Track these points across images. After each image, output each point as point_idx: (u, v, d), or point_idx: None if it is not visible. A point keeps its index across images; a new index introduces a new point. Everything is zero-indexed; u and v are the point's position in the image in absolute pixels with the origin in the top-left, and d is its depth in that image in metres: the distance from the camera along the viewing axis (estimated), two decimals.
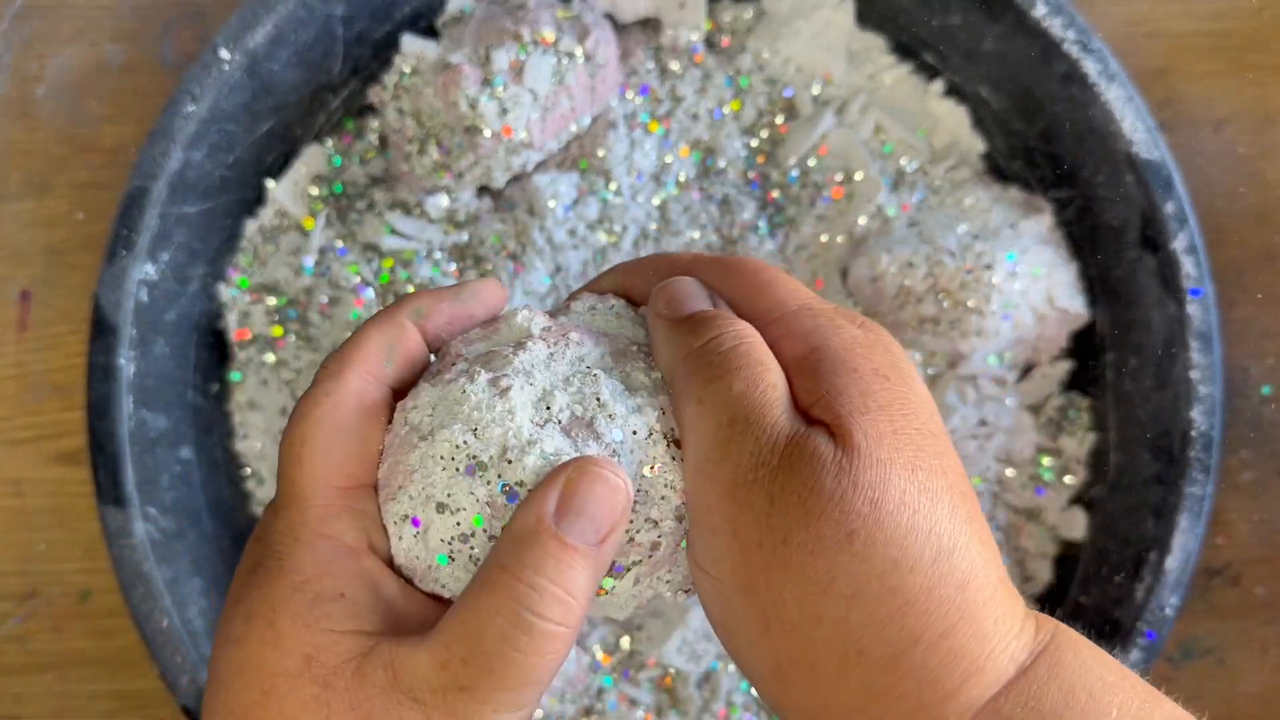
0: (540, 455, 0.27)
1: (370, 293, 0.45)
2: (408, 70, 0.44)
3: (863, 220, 0.46)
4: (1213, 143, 0.50)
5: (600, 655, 0.45)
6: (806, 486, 0.25)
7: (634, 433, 0.28)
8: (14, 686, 0.48)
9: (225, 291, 0.46)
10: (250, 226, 0.46)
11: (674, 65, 0.47)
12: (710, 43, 0.48)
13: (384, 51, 0.46)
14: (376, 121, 0.47)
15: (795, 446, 0.25)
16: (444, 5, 0.45)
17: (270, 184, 0.46)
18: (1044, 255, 0.44)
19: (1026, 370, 0.47)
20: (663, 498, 0.28)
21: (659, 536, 0.28)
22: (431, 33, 0.46)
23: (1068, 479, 0.46)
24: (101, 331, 0.42)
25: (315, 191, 0.47)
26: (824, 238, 0.47)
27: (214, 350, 0.46)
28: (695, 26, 0.47)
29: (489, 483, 0.27)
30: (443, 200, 0.45)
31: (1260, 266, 0.49)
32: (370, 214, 0.46)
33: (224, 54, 0.42)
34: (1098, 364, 0.46)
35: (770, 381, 0.27)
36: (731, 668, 0.45)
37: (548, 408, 0.28)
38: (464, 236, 0.45)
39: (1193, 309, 0.42)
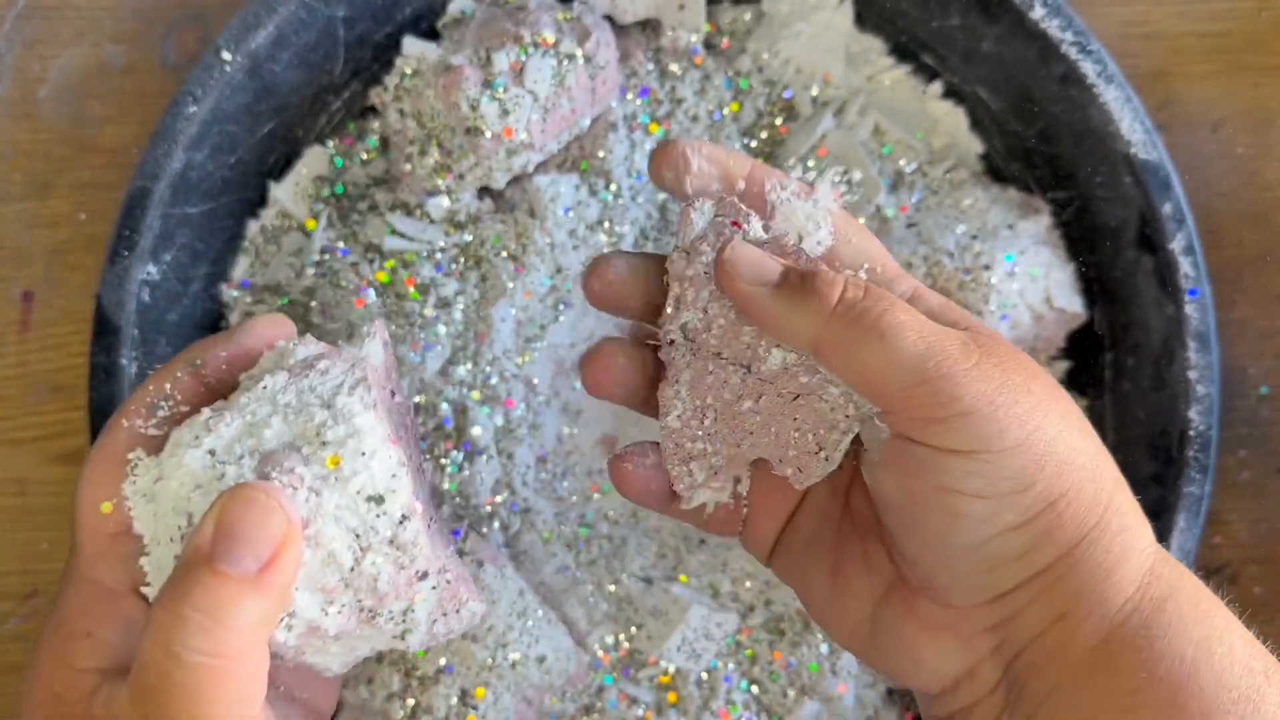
0: (219, 490, 0.27)
1: (372, 293, 0.45)
2: (409, 72, 0.44)
3: (861, 221, 0.46)
4: (1210, 143, 0.50)
5: (600, 653, 0.45)
6: (1009, 352, 0.30)
7: (362, 454, 0.28)
8: (16, 686, 0.48)
9: (227, 291, 0.46)
10: (252, 227, 0.47)
11: (674, 67, 0.48)
12: (710, 44, 0.48)
13: (385, 53, 0.46)
14: (378, 123, 0.47)
15: (979, 335, 0.30)
16: (445, 7, 0.46)
17: (272, 185, 0.47)
18: (1042, 256, 0.45)
19: None
20: (392, 517, 0.28)
21: (375, 571, 0.28)
22: (432, 34, 0.46)
23: None
24: (103, 332, 0.42)
25: (317, 192, 0.47)
26: None
27: None
28: (695, 28, 0.47)
29: (185, 519, 0.28)
30: (444, 201, 0.45)
31: (1258, 267, 0.50)
32: (372, 215, 0.46)
33: (226, 55, 0.42)
34: (1096, 364, 0.46)
35: (903, 302, 0.30)
36: (731, 666, 0.45)
37: (252, 438, 0.28)
38: (465, 237, 0.45)
39: (1190, 309, 0.43)
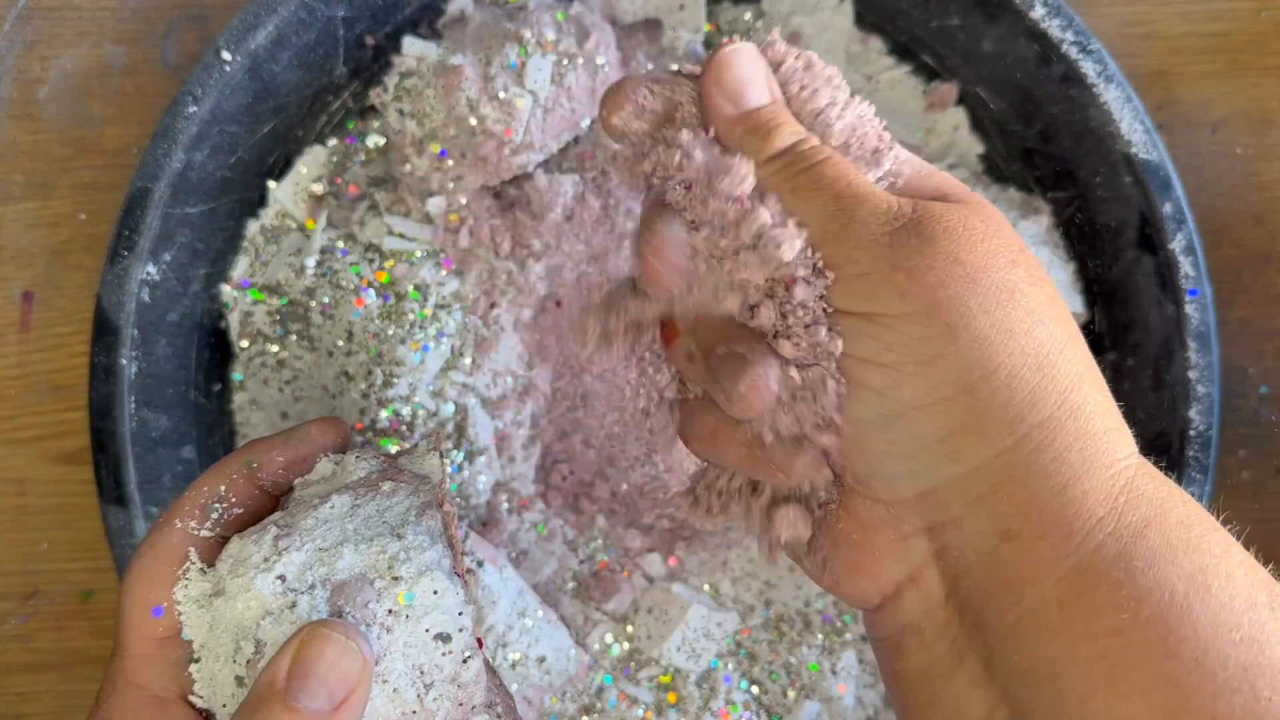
0: (292, 620, 0.28)
1: (371, 293, 0.45)
2: (409, 72, 0.44)
3: None
4: (1210, 143, 0.50)
5: (600, 653, 0.45)
6: (959, 223, 0.26)
7: (434, 592, 0.28)
8: (17, 685, 0.48)
9: (227, 292, 0.46)
10: (252, 227, 0.47)
11: (674, 67, 0.48)
12: (710, 44, 0.48)
13: (385, 53, 0.46)
14: (378, 123, 0.47)
15: (926, 204, 0.27)
16: (445, 7, 0.46)
17: (272, 185, 0.47)
18: (1042, 255, 0.45)
19: None
20: (463, 656, 0.28)
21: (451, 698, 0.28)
22: (432, 35, 0.46)
23: None
24: (103, 332, 0.42)
25: (317, 192, 0.47)
26: None
27: (215, 350, 0.46)
28: (695, 28, 0.47)
29: (252, 645, 0.28)
30: (443, 201, 0.45)
31: (1258, 266, 0.50)
32: (371, 215, 0.46)
33: (226, 55, 0.42)
34: (1096, 364, 0.46)
35: (856, 172, 0.28)
36: (731, 666, 0.45)
37: (324, 566, 0.29)
38: (465, 237, 0.45)
39: (1190, 309, 0.43)
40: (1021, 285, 0.26)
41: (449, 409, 0.45)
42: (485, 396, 0.45)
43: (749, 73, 0.29)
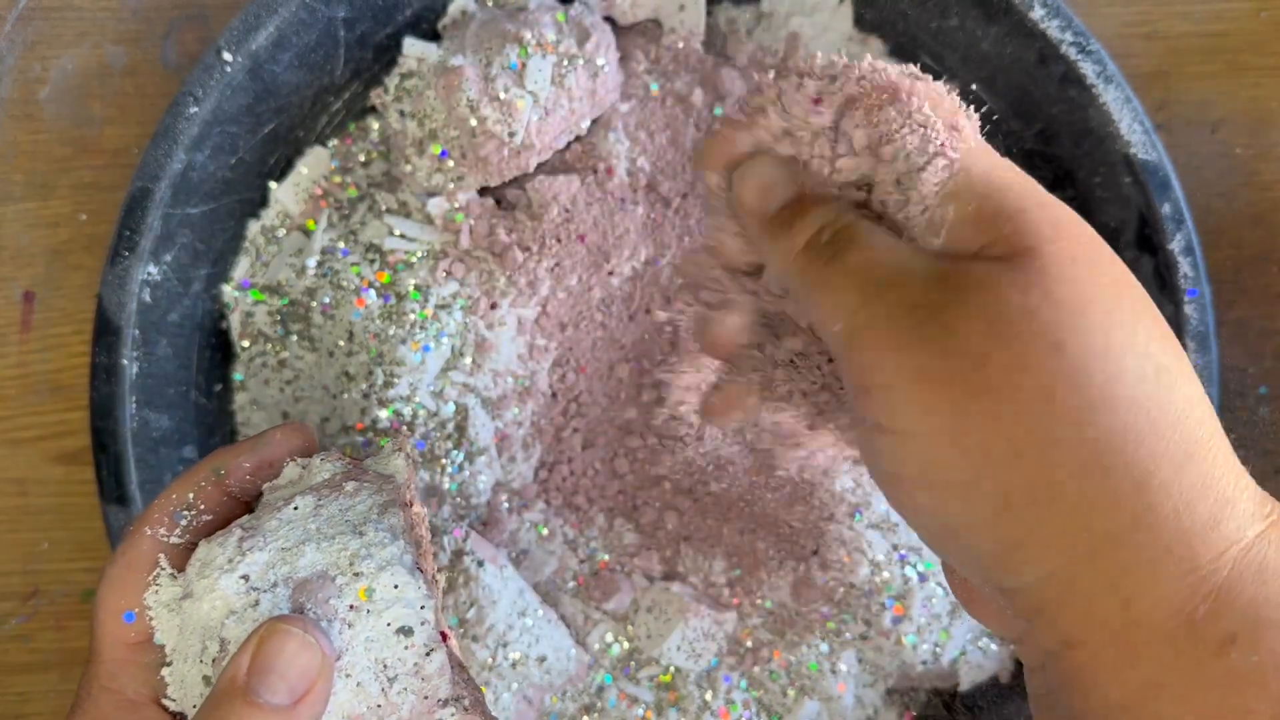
0: (255, 618, 0.28)
1: (372, 293, 0.45)
2: (409, 73, 0.44)
3: None
4: (1210, 144, 0.50)
5: (600, 653, 0.45)
6: (990, 307, 0.23)
7: (394, 587, 0.29)
8: (17, 685, 0.48)
9: (228, 292, 0.46)
10: (253, 228, 0.47)
11: (674, 67, 0.48)
12: (709, 44, 0.48)
13: (386, 54, 0.46)
14: (378, 123, 0.47)
15: (958, 279, 0.24)
16: (445, 8, 0.46)
17: (273, 185, 0.47)
18: None
19: None
20: (417, 650, 0.29)
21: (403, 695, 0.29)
22: (433, 35, 0.46)
23: None
24: (104, 332, 0.42)
25: (317, 193, 0.47)
26: None
27: (216, 350, 0.47)
28: (695, 29, 0.47)
29: (217, 644, 0.29)
30: (444, 202, 0.45)
31: (1257, 267, 0.50)
32: (372, 215, 0.46)
33: (226, 56, 0.42)
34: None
35: (884, 242, 0.26)
36: (730, 662, 0.45)
37: (286, 565, 0.29)
38: (465, 238, 0.46)
39: (1190, 309, 0.43)
40: (1068, 376, 0.23)
41: (449, 409, 0.45)
42: (486, 396, 0.45)
43: (764, 181, 0.29)
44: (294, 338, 0.46)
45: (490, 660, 0.42)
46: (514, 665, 0.42)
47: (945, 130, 0.27)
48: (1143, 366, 0.23)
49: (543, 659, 0.43)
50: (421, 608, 0.29)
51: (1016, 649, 0.29)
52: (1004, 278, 0.24)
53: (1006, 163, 0.27)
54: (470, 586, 0.42)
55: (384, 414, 0.44)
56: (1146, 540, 0.23)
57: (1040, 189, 0.26)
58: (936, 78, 0.49)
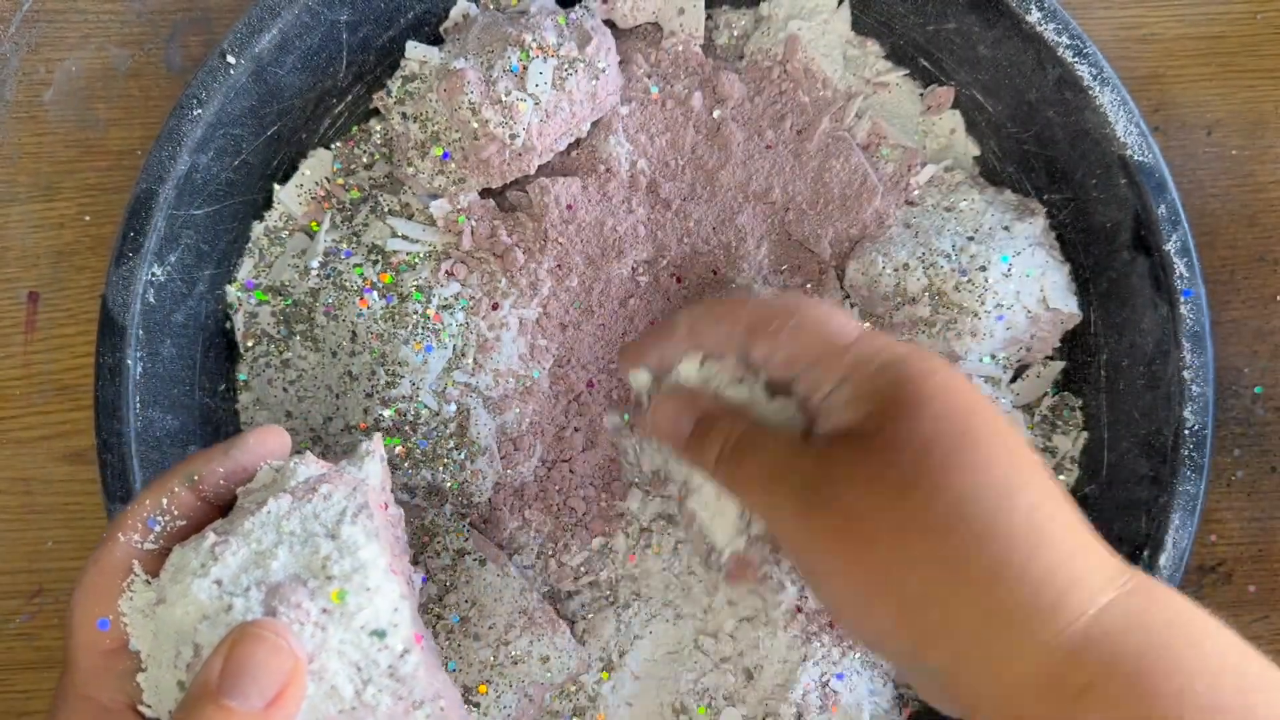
0: (227, 622, 0.28)
1: (375, 294, 0.45)
2: (411, 75, 0.45)
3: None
4: (1205, 146, 0.50)
5: (601, 651, 0.45)
6: (852, 469, 0.30)
7: (367, 589, 0.29)
8: (22, 683, 0.49)
9: (232, 293, 0.47)
10: (257, 229, 0.47)
11: (674, 70, 0.48)
12: (709, 47, 0.49)
13: (388, 57, 0.46)
14: (380, 126, 0.48)
15: (828, 455, 0.31)
16: (447, 11, 0.46)
17: (276, 187, 0.47)
18: (1038, 257, 0.45)
19: (1020, 370, 0.47)
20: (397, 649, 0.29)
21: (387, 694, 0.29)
22: (435, 39, 0.46)
23: (1061, 478, 0.47)
24: (109, 332, 0.42)
25: (320, 194, 0.47)
26: None
27: (220, 351, 0.47)
28: (694, 32, 0.48)
29: (191, 649, 0.29)
30: (446, 203, 0.45)
31: (1252, 268, 0.50)
32: (374, 217, 0.47)
33: (230, 59, 0.43)
34: (1091, 364, 0.47)
35: (774, 444, 0.33)
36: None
37: (259, 568, 0.29)
38: (467, 239, 0.46)
39: (1185, 310, 0.43)
40: (914, 512, 0.29)
41: (451, 409, 0.45)
42: (487, 397, 0.46)
43: (667, 419, 0.36)
44: (297, 338, 0.46)
45: (491, 658, 0.42)
46: (515, 663, 0.43)
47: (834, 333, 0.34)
48: (978, 489, 0.29)
49: (544, 658, 0.43)
50: (395, 610, 0.29)
51: None
52: (863, 447, 0.30)
53: (891, 343, 0.33)
54: (471, 585, 0.42)
55: (387, 414, 0.44)
56: (1004, 624, 0.28)
57: (915, 361, 0.32)
58: (934, 80, 0.49)
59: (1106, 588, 0.29)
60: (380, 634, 0.29)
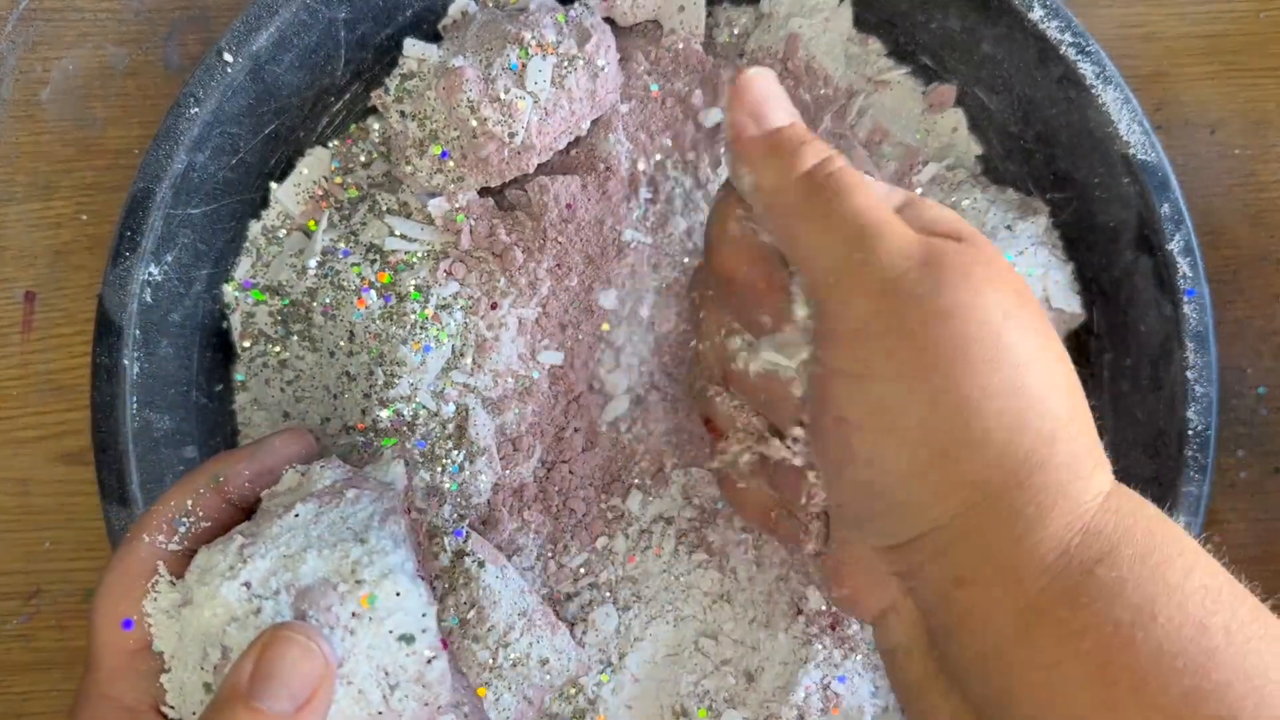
0: (257, 625, 0.28)
1: (373, 294, 0.45)
2: (410, 73, 0.44)
3: None
4: (1208, 145, 0.50)
5: (600, 653, 0.45)
6: (961, 271, 0.27)
7: (396, 594, 0.29)
8: (19, 685, 0.49)
9: (229, 292, 0.46)
10: (254, 228, 0.47)
11: (674, 68, 0.48)
12: (709, 45, 0.49)
13: (386, 55, 0.46)
14: (379, 124, 0.48)
15: (937, 244, 0.27)
16: (445, 9, 0.46)
17: (274, 186, 0.47)
18: (1040, 256, 0.45)
19: None
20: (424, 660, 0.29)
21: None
22: (433, 36, 0.46)
23: None
24: (106, 332, 0.42)
25: (318, 193, 0.47)
26: None
27: (217, 351, 0.47)
28: (695, 29, 0.47)
29: (219, 651, 0.29)
30: (444, 202, 0.45)
31: (1256, 267, 0.50)
32: (373, 216, 0.47)
33: (227, 57, 0.42)
34: (1094, 364, 0.47)
35: (880, 197, 0.28)
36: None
37: (288, 572, 0.29)
38: (466, 238, 0.46)
39: (1189, 309, 0.43)
40: (1012, 340, 0.27)
41: (450, 409, 0.45)
42: (486, 397, 0.45)
43: (770, 91, 0.30)
44: (295, 338, 0.46)
45: (491, 661, 0.42)
46: (514, 665, 0.42)
47: None
48: (1057, 346, 0.28)
49: (544, 660, 0.43)
50: (423, 615, 0.29)
51: (875, 631, 0.32)
52: (972, 253, 0.27)
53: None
54: (471, 587, 0.42)
55: (385, 414, 0.44)
56: (1045, 483, 0.26)
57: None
58: (936, 78, 0.49)
59: (1110, 473, 0.28)
60: (409, 639, 0.29)
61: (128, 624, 0.30)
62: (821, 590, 0.33)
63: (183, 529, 0.32)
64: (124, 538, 0.32)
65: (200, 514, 0.32)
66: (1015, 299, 0.27)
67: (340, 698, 0.28)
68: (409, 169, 0.45)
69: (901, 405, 0.27)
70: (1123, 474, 0.45)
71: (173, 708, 0.30)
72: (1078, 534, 0.26)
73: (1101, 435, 0.46)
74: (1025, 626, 0.26)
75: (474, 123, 0.42)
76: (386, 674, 0.29)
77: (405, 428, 0.44)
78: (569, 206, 0.46)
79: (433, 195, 0.45)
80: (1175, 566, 0.26)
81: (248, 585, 0.29)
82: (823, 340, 0.28)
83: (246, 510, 0.33)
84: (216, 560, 0.29)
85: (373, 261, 0.46)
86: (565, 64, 0.43)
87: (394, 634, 0.29)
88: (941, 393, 0.26)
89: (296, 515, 0.30)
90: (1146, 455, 0.44)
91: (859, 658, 0.44)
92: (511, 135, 0.42)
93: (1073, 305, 0.45)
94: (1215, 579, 0.27)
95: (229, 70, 0.42)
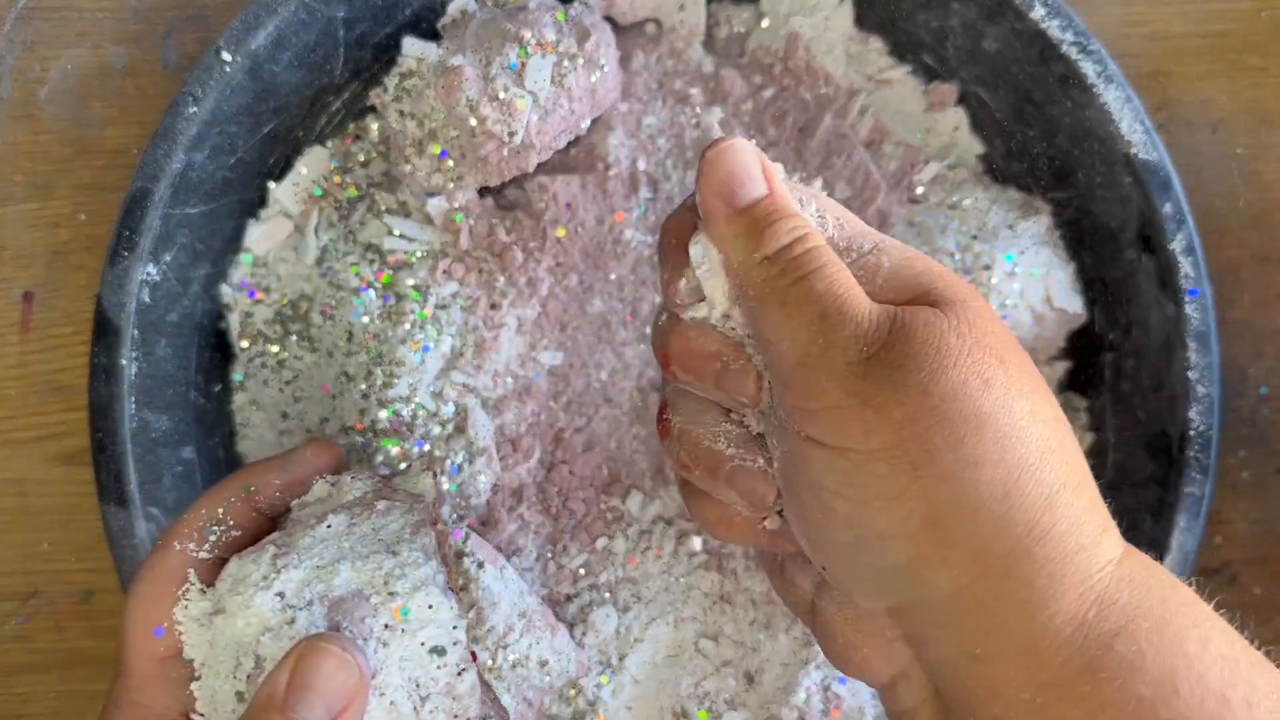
0: (291, 635, 0.28)
1: (371, 294, 0.45)
2: (409, 72, 0.44)
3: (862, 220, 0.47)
4: (1210, 144, 0.50)
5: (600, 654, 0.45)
6: (932, 344, 0.26)
7: (429, 607, 0.29)
8: (17, 686, 0.48)
9: (227, 292, 0.46)
10: (252, 228, 0.47)
11: (674, 66, 0.48)
12: (709, 44, 0.48)
13: (385, 54, 0.46)
14: (377, 123, 0.47)
15: (904, 318, 0.27)
16: (445, 8, 0.46)
17: (272, 185, 0.47)
18: (1042, 256, 0.45)
19: None
20: (455, 669, 0.29)
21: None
22: (432, 35, 0.46)
23: None
24: (104, 332, 0.42)
25: (317, 193, 0.47)
26: None
27: (216, 351, 0.47)
28: (695, 28, 0.47)
29: (252, 660, 0.29)
30: (443, 202, 0.45)
31: (1258, 267, 0.50)
32: (371, 215, 0.46)
33: (226, 56, 0.42)
34: (1096, 364, 0.46)
35: (847, 277, 0.28)
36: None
37: (321, 583, 0.29)
38: (465, 238, 0.46)
39: (1190, 309, 0.43)
40: (994, 408, 0.26)
41: (449, 409, 0.45)
42: (485, 397, 0.45)
43: (740, 166, 0.29)
44: (293, 338, 0.46)
45: (490, 662, 0.42)
46: (514, 667, 0.42)
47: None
48: (1049, 408, 0.27)
49: (543, 661, 0.43)
50: (454, 628, 0.29)
51: (884, 697, 0.31)
52: (944, 322, 0.27)
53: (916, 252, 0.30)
54: (470, 588, 0.42)
55: (383, 414, 0.44)
56: (1050, 555, 0.26)
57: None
58: (937, 77, 0.49)
59: (1119, 539, 0.27)
60: (440, 651, 0.29)
61: (159, 631, 0.30)
62: (828, 657, 0.31)
63: (213, 537, 0.32)
64: (155, 545, 0.32)
65: (230, 523, 0.32)
66: (996, 364, 0.26)
67: (373, 708, 0.28)
68: (408, 168, 0.45)
69: (882, 477, 0.26)
70: (1124, 475, 0.45)
71: (203, 715, 0.30)
72: (1092, 606, 0.26)
73: (1104, 436, 0.46)
74: (1044, 703, 0.26)
75: (473, 122, 0.42)
76: (418, 686, 0.29)
77: (404, 428, 0.44)
78: (569, 206, 0.45)
79: (432, 195, 0.45)
80: (1192, 637, 0.26)
81: (281, 595, 0.29)
82: (793, 413, 0.28)
83: (275, 520, 0.33)
84: (250, 570, 0.30)
85: (371, 261, 0.46)
86: (565, 63, 0.43)
87: (426, 646, 0.29)
88: (923, 465, 0.25)
89: (329, 526, 0.30)
90: (1149, 456, 0.44)
91: None
92: (511, 134, 0.42)
93: (1074, 305, 0.45)
94: (1233, 647, 0.27)
95: (227, 69, 0.42)
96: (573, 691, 0.45)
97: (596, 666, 0.45)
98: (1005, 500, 0.25)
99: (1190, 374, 0.42)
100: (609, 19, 0.47)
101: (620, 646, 0.45)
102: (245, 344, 0.46)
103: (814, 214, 0.30)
